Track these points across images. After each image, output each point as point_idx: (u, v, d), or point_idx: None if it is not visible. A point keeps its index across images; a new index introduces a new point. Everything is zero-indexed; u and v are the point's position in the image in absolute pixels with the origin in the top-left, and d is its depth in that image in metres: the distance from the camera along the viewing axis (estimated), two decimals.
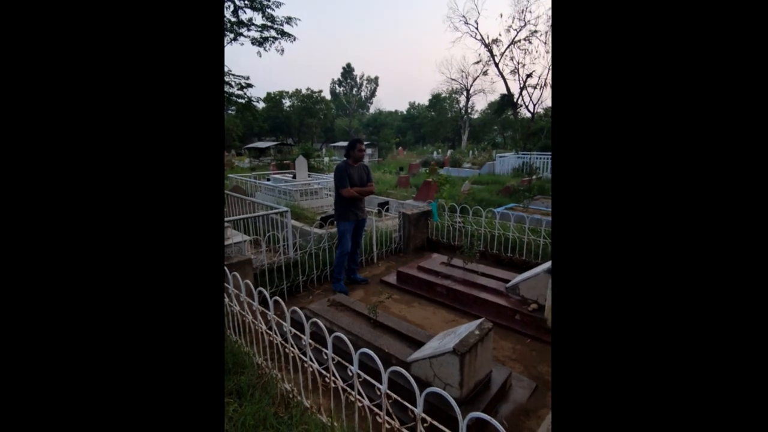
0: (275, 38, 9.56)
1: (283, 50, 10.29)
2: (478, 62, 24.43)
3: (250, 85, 9.45)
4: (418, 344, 2.20)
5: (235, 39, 9.11)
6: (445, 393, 1.14)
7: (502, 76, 20.15)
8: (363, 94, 41.43)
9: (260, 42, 9.46)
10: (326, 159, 16.79)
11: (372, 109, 42.12)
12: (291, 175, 9.30)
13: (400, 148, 30.86)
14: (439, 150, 25.84)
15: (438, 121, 33.88)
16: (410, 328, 2.42)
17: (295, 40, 9.74)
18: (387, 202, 6.66)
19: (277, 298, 1.86)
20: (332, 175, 4.87)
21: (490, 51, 20.49)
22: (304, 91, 35.11)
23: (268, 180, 9.05)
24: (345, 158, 3.45)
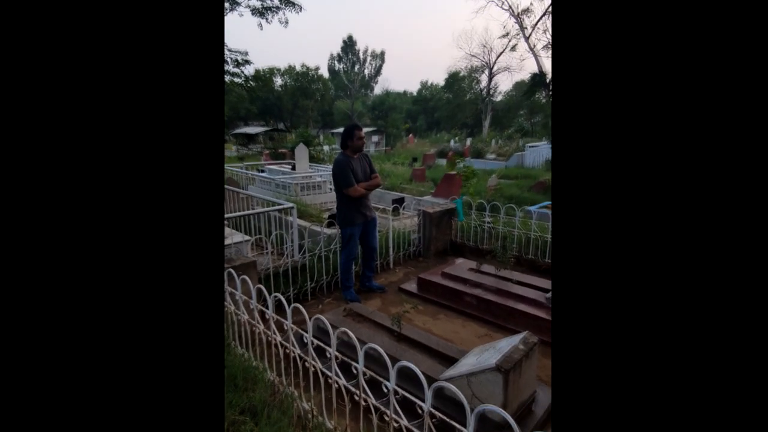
0: (279, 8, 9.50)
1: (287, 21, 10.27)
2: (504, 35, 24.38)
3: (247, 62, 9.42)
4: (449, 360, 2.26)
5: (232, 9, 9.09)
6: (505, 414, 1.19)
7: (533, 52, 20.05)
8: (367, 71, 41.44)
9: (261, 12, 9.41)
10: (326, 147, 16.84)
11: (377, 90, 42.13)
12: (289, 166, 9.38)
13: (410, 135, 30.81)
14: (457, 138, 25.79)
15: (455, 104, 33.80)
16: (440, 343, 2.48)
17: (301, 10, 9.69)
18: (402, 199, 6.70)
19: (298, 305, 1.92)
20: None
21: (520, 22, 20.41)
22: (298, 68, 35.20)
23: (263, 171, 9.12)
24: (342, 149, 3.40)
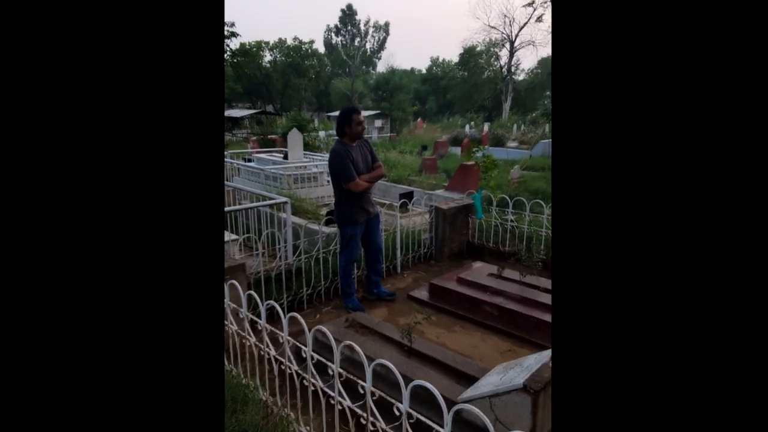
0: None
1: None
2: (529, 4, 24.27)
3: (234, 34, 9.44)
4: (468, 379, 2.26)
5: None
6: None
7: None
8: (368, 46, 41.43)
9: None
10: (322, 133, 16.85)
11: (381, 67, 42.12)
12: (281, 155, 9.43)
13: (419, 119, 30.79)
14: (473, 123, 25.73)
15: (471, 84, 33.74)
16: (456, 359, 2.49)
17: None
18: (411, 193, 6.72)
19: (296, 314, 1.93)
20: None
21: None
22: (290, 42, 35.20)
23: (250, 161, 9.16)
24: (339, 138, 3.37)
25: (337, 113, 3.93)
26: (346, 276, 3.52)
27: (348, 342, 1.86)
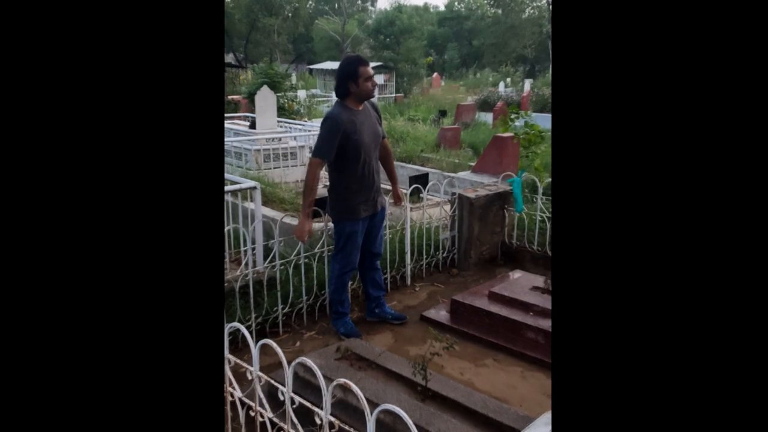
0: None
1: None
2: None
3: None
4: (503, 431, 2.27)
5: None
6: None
7: None
8: None
9: None
10: (302, 93, 16.75)
11: (383, 2, 41.78)
12: (246, 122, 9.46)
13: (435, 75, 30.61)
14: (509, 79, 25.59)
15: (507, 26, 33.62)
16: (488, 404, 2.49)
17: None
18: (425, 176, 6.73)
19: (269, 340, 1.93)
20: (317, 122, 4.60)
21: None
22: None
23: None
24: (339, 99, 3.41)
25: (323, 65, 3.96)
26: (340, 290, 3.52)
27: (341, 380, 1.84)
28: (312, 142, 7.90)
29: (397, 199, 3.86)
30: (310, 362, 1.84)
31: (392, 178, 3.82)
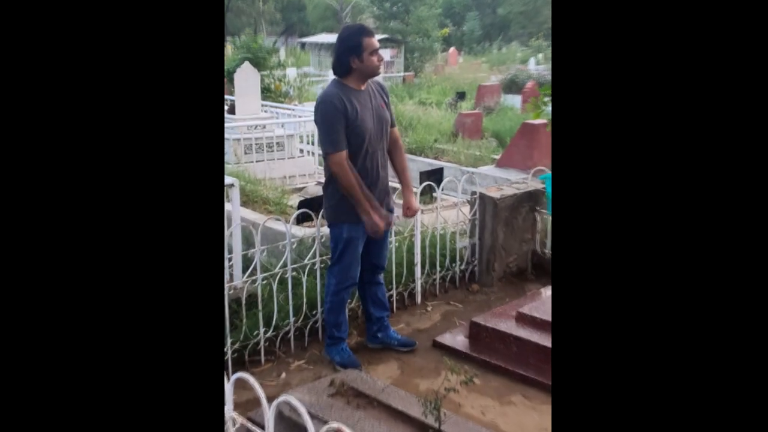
0: None
1: None
2: None
3: None
4: None
5: None
6: None
7: None
8: None
9: None
10: (292, 71, 16.60)
11: None
12: (225, 107, 9.75)
13: (452, 50, 30.41)
14: (540, 55, 25.37)
15: None
16: None
17: None
18: (440, 171, 6.58)
19: (245, 374, 1.83)
20: (309, 106, 5.49)
21: None
22: None
23: None
24: (338, 77, 3.20)
25: (317, 38, 3.73)
26: (336, 310, 3.35)
27: (335, 424, 1.68)
28: (303, 129, 8.17)
29: (409, 210, 3.54)
30: (295, 400, 1.74)
31: (403, 179, 3.51)
